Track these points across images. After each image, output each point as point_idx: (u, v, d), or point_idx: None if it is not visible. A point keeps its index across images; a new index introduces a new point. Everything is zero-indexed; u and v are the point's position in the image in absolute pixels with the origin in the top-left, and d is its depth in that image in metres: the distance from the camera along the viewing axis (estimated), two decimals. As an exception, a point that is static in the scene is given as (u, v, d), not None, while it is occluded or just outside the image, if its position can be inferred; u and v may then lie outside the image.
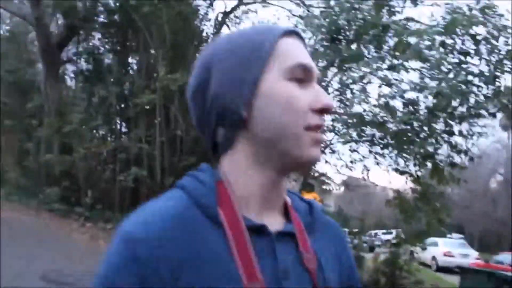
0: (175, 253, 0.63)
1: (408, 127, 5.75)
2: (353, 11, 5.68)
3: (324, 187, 13.68)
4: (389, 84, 5.84)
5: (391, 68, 5.50)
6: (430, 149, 5.93)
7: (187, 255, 0.64)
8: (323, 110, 0.70)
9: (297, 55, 0.71)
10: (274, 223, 0.71)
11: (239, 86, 0.70)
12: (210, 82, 0.72)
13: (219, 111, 0.71)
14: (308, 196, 8.56)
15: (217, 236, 0.66)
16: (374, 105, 6.18)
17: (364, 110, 6.28)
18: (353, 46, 5.88)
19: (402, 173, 6.76)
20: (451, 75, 5.17)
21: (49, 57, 9.26)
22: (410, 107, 5.88)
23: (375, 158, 7.37)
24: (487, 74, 5.06)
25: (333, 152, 8.47)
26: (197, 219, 0.67)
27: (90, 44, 11.23)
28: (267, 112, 0.69)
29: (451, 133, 5.75)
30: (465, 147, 5.86)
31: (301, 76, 0.70)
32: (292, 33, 0.74)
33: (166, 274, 0.62)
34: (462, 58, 5.25)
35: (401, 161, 6.77)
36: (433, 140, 5.87)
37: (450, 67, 5.22)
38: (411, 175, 6.72)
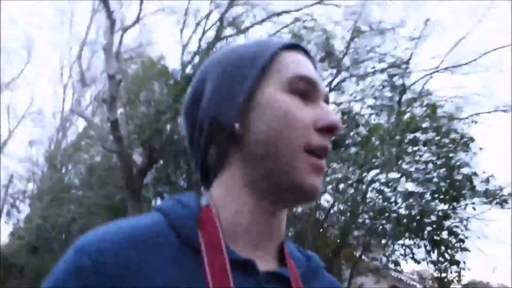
0: (129, 272, 0.54)
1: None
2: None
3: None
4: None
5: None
6: (437, 234, 6.29)
7: (146, 277, 0.54)
8: (329, 130, 0.63)
9: (298, 67, 0.64)
10: (266, 264, 0.62)
11: (232, 97, 0.63)
12: (203, 96, 0.66)
13: (210, 126, 0.64)
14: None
15: (191, 263, 0.57)
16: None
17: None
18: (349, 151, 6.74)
19: (418, 262, 7.02)
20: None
21: (132, 184, 11.17)
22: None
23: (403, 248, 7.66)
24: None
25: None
26: (170, 242, 0.58)
27: (166, 169, 13.06)
28: (262, 126, 0.61)
29: (445, 217, 6.13)
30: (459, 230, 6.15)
31: (304, 89, 0.63)
32: (296, 47, 0.68)
33: None
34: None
35: (417, 250, 7.06)
36: (435, 226, 6.27)
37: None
38: (427, 262, 6.95)
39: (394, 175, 5.86)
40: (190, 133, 0.68)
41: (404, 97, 7.60)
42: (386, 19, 9.59)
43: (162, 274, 0.55)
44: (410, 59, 8.08)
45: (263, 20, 10.47)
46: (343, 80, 8.60)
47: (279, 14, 10.20)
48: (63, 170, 16.69)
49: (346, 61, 8.52)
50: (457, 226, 6.14)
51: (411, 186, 6.11)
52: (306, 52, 0.69)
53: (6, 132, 20.19)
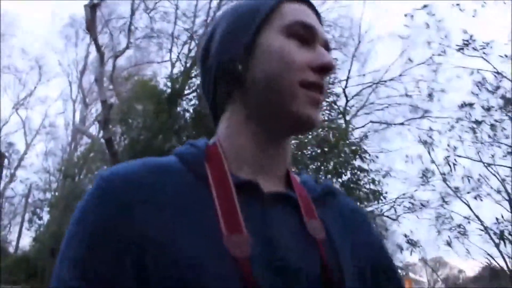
0: (147, 196, 0.60)
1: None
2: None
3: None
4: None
5: None
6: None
7: (161, 200, 0.61)
8: (323, 69, 0.68)
9: (298, 14, 0.70)
10: (273, 186, 0.68)
11: (236, 41, 0.70)
12: (212, 44, 0.74)
13: (217, 67, 0.71)
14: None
15: (200, 190, 0.63)
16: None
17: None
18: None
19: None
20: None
21: None
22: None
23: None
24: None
25: None
26: (181, 173, 0.65)
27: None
28: (262, 66, 0.68)
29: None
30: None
31: (302, 33, 0.69)
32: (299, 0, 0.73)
33: (135, 214, 0.59)
34: None
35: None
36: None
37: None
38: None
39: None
40: (203, 78, 0.76)
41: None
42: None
43: (175, 197, 0.62)
44: (348, 77, 9.38)
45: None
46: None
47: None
48: (76, 179, 18.12)
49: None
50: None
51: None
52: (310, 5, 0.74)
53: (24, 147, 22.02)
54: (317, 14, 0.75)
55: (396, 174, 8.61)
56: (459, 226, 7.65)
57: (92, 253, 0.58)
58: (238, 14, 0.73)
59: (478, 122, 7.52)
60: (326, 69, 0.68)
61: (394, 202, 8.45)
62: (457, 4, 7.82)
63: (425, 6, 8.33)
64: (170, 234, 0.58)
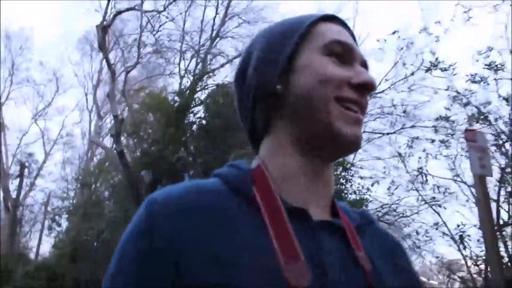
0: (196, 220, 0.60)
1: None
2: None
3: None
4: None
5: None
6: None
7: (211, 227, 0.60)
8: (363, 87, 0.67)
9: (335, 34, 0.71)
10: (319, 214, 0.67)
11: (274, 63, 0.70)
12: (249, 66, 0.74)
13: (256, 90, 0.71)
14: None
15: (250, 216, 0.62)
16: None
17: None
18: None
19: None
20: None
21: (141, 201, 13.00)
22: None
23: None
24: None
25: None
26: (229, 198, 0.64)
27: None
28: (300, 85, 0.68)
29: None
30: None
31: (340, 52, 0.69)
32: (333, 19, 0.75)
33: (180, 242, 0.58)
34: None
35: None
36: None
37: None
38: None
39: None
40: (239, 101, 0.76)
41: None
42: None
43: (225, 223, 0.60)
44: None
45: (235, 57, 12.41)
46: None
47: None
48: (92, 188, 18.63)
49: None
50: None
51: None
52: (343, 23, 0.75)
53: (42, 156, 22.81)
54: (352, 34, 0.76)
55: (392, 179, 9.08)
56: (417, 233, 8.19)
57: (141, 271, 0.60)
58: (274, 37, 0.74)
59: (450, 135, 8.01)
60: (366, 87, 0.67)
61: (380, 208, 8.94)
62: (425, 29, 8.54)
63: (395, 31, 9.07)
64: (223, 256, 0.58)
